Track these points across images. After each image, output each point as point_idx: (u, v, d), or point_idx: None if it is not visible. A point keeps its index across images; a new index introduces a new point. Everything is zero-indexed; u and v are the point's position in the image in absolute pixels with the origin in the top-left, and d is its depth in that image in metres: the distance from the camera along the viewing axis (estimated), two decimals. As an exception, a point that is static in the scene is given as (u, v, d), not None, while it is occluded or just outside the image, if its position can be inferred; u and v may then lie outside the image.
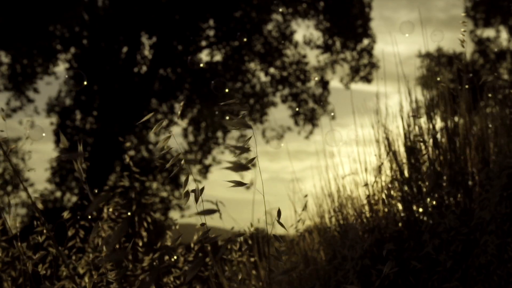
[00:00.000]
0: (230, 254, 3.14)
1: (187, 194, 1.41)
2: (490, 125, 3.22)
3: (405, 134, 3.30)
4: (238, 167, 1.13)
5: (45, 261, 2.77)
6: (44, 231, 2.48)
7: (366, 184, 3.27)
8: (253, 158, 1.39)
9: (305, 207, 3.11)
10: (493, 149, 3.13)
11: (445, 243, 2.68)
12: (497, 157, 3.05)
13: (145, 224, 3.07)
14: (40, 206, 1.90)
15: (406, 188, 3.16)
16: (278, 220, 1.47)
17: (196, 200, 1.36)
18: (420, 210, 3.04)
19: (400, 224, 3.12)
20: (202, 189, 1.40)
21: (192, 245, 3.20)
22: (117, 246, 2.94)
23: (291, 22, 14.78)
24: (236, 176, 1.37)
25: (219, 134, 14.71)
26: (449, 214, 2.66)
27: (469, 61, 16.23)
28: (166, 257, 2.94)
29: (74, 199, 13.79)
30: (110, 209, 2.92)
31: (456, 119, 3.32)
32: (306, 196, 3.22)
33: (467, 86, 3.27)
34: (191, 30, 13.93)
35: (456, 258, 2.70)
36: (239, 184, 1.38)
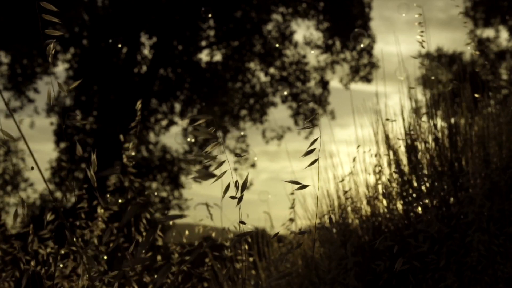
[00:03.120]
0: (228, 251, 3.14)
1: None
2: (490, 125, 3.22)
3: (405, 134, 3.30)
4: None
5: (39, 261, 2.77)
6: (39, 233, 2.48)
7: (342, 180, 3.27)
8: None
9: (293, 205, 3.10)
10: (494, 148, 3.12)
11: (439, 242, 2.67)
12: (498, 158, 3.05)
13: (144, 221, 3.07)
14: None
15: (406, 187, 3.16)
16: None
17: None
18: (419, 209, 3.04)
19: (399, 224, 3.12)
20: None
21: (184, 240, 3.20)
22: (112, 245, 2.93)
23: (291, 22, 14.79)
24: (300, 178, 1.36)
25: (219, 134, 14.69)
26: (431, 214, 2.66)
27: (468, 61, 16.23)
28: (159, 257, 2.94)
29: (74, 199, 13.78)
30: (102, 210, 2.92)
31: (457, 119, 3.32)
32: (292, 193, 3.19)
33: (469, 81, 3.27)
34: (191, 30, 13.92)
35: (452, 258, 2.70)
36: (302, 186, 1.38)
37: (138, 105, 2.61)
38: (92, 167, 1.60)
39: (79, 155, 1.60)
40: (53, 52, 1.61)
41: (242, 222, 1.41)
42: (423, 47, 2.81)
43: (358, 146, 3.13)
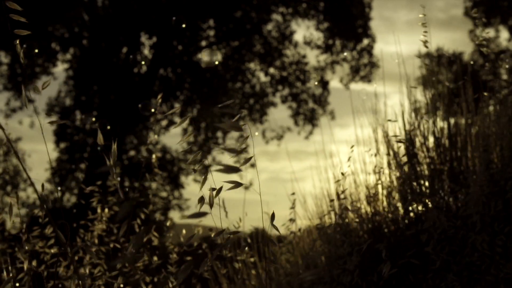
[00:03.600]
0: (230, 252, 3.14)
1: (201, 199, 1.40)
2: (491, 124, 3.22)
3: (405, 134, 3.29)
4: (229, 169, 1.13)
5: (42, 261, 2.77)
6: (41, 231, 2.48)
7: (338, 181, 3.26)
8: (250, 158, 1.39)
9: (293, 206, 3.09)
10: (495, 148, 3.12)
11: (440, 242, 2.67)
12: (498, 158, 3.04)
13: (139, 221, 3.06)
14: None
15: (406, 187, 3.16)
16: (272, 223, 1.47)
17: (211, 205, 1.36)
18: (419, 209, 3.04)
19: (399, 224, 3.12)
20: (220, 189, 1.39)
21: (183, 239, 3.20)
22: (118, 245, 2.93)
23: (291, 22, 14.78)
24: (234, 176, 1.37)
25: (219, 134, 14.71)
26: (439, 213, 2.66)
27: (468, 61, 16.23)
28: (155, 258, 2.93)
29: (74, 199, 13.78)
30: (106, 210, 2.92)
31: (457, 118, 3.32)
32: (293, 193, 3.16)
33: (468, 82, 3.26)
34: (191, 30, 13.92)
35: (453, 257, 2.70)
36: (237, 185, 1.38)
37: (159, 99, 2.55)
38: (112, 158, 1.53)
39: (100, 144, 1.56)
40: (22, 51, 1.59)
41: (210, 239, 1.40)
42: (426, 47, 2.81)
43: (352, 146, 3.12)
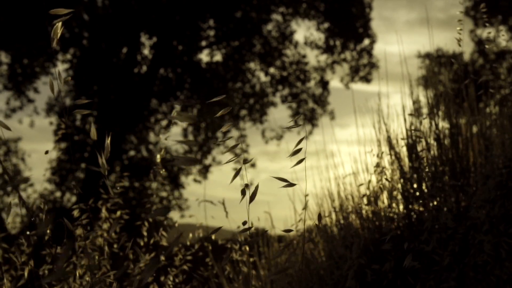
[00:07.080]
0: (231, 253, 3.13)
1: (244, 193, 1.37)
2: (493, 124, 3.21)
3: (407, 133, 3.29)
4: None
5: (43, 260, 2.75)
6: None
7: (361, 184, 3.25)
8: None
9: (306, 207, 3.08)
10: (497, 148, 3.11)
11: (443, 242, 2.66)
12: (501, 158, 3.03)
13: (146, 224, 3.06)
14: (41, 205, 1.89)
15: (408, 187, 3.15)
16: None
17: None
18: (421, 209, 3.03)
19: (400, 224, 3.11)
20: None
21: (188, 243, 3.19)
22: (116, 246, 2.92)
23: (291, 22, 14.78)
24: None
25: (219, 134, 14.70)
26: (446, 214, 2.65)
27: (469, 61, 16.22)
28: (162, 257, 2.92)
29: (74, 199, 13.77)
30: (118, 214, 2.91)
31: (458, 118, 3.31)
32: (307, 195, 3.17)
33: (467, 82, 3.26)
34: (191, 30, 13.91)
35: (455, 258, 2.69)
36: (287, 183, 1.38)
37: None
38: (104, 154, 1.46)
39: (93, 139, 1.52)
40: (60, 32, 1.35)
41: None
42: (460, 45, 2.80)
43: (371, 151, 3.10)
